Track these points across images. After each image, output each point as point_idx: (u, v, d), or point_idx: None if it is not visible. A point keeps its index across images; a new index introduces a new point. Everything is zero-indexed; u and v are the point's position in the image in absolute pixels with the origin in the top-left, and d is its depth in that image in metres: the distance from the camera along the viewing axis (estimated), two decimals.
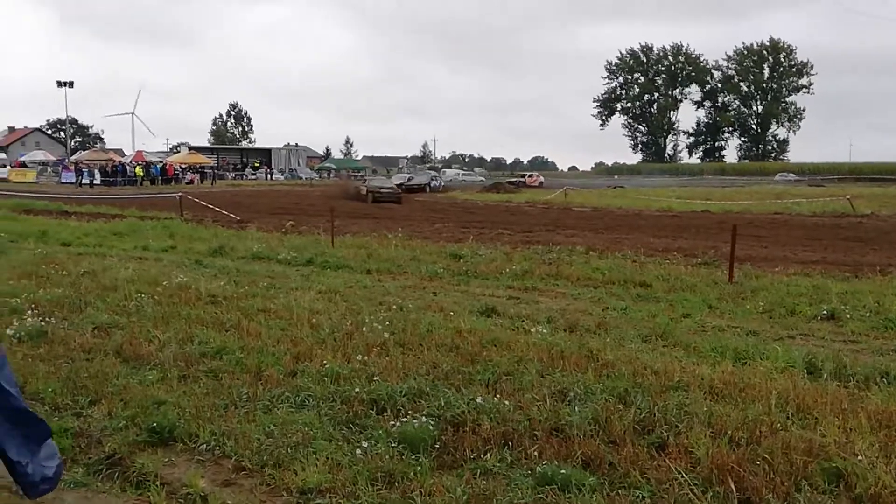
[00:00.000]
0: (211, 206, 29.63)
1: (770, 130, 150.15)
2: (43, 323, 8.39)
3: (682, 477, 4.54)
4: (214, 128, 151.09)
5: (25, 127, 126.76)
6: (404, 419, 5.43)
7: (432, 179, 65.95)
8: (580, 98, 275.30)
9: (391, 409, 5.75)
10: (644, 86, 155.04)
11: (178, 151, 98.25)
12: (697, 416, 5.53)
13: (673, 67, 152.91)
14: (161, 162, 77.88)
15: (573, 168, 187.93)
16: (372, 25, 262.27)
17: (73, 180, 63.93)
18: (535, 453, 4.97)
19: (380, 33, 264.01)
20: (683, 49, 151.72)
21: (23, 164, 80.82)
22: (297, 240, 18.52)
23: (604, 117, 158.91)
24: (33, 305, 9.29)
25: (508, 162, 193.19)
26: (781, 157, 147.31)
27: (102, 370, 6.74)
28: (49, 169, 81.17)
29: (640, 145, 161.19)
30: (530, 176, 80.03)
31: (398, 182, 56.03)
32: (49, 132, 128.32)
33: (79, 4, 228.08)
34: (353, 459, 4.85)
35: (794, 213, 33.86)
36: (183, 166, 76.51)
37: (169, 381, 6.51)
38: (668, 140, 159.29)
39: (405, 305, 9.82)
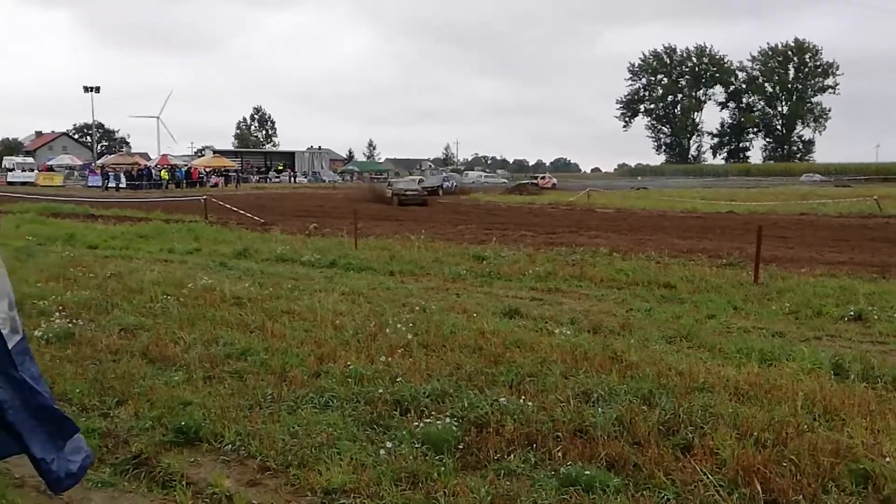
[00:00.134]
0: (235, 209, 29.80)
1: (795, 131, 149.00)
2: (70, 325, 8.48)
3: (708, 478, 4.51)
4: (238, 131, 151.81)
5: (52, 132, 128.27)
6: (428, 420, 5.44)
7: (445, 181, 64.46)
8: (603, 100, 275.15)
9: (415, 410, 5.76)
10: (668, 87, 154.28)
11: (203, 155, 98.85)
12: (723, 417, 5.50)
13: (697, 68, 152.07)
14: (186, 165, 78.47)
15: (596, 169, 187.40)
16: (395, 30, 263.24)
17: (100, 184, 64.70)
18: (559, 454, 4.96)
19: (403, 37, 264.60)
20: (707, 50, 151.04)
21: (50, 168, 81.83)
22: (320, 242, 18.58)
23: (627, 119, 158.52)
24: (61, 307, 9.39)
25: (531, 164, 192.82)
26: (807, 157, 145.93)
27: (129, 371, 6.81)
28: (76, 173, 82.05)
29: (663, 146, 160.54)
30: (543, 178, 79.47)
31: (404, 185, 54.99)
32: (76, 136, 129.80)
33: (105, 11, 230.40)
34: (377, 460, 4.86)
35: (821, 214, 33.52)
36: (207, 170, 77.04)
37: (194, 381, 6.56)
38: (691, 141, 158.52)
39: (428, 307, 9.83)
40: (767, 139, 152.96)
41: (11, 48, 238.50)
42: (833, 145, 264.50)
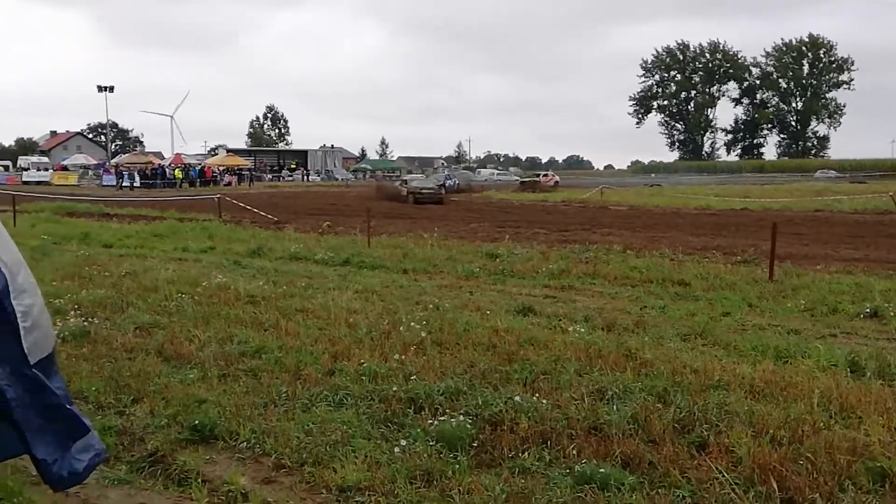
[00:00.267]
0: (249, 208, 29.89)
1: (810, 127, 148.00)
2: (86, 323, 8.54)
3: (724, 476, 4.49)
4: (251, 130, 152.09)
5: (67, 131, 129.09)
6: (442, 418, 5.45)
7: (447, 179, 61.81)
8: (616, 96, 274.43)
9: (429, 408, 5.76)
10: (681, 83, 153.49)
11: (217, 154, 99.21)
12: (738, 415, 5.48)
13: (710, 64, 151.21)
14: (199, 164, 78.82)
15: (609, 167, 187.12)
16: (408, 27, 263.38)
17: (114, 183, 65.14)
18: (574, 452, 4.95)
19: (416, 35, 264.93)
20: (721, 46, 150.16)
21: (65, 168, 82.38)
22: (333, 240, 18.61)
23: (640, 115, 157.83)
24: (76, 306, 9.45)
25: (544, 161, 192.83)
26: (822, 153, 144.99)
27: (144, 369, 6.84)
28: (90, 172, 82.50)
29: (676, 143, 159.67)
30: (545, 175, 78.75)
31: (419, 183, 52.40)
32: (90, 136, 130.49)
33: (119, 11, 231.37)
34: (391, 458, 4.87)
35: (836, 211, 33.32)
36: (221, 168, 77.39)
37: (209, 379, 6.58)
38: (705, 138, 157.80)
39: (442, 305, 9.83)
40: (782, 135, 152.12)
41: (27, 48, 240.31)
42: (848, 141, 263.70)
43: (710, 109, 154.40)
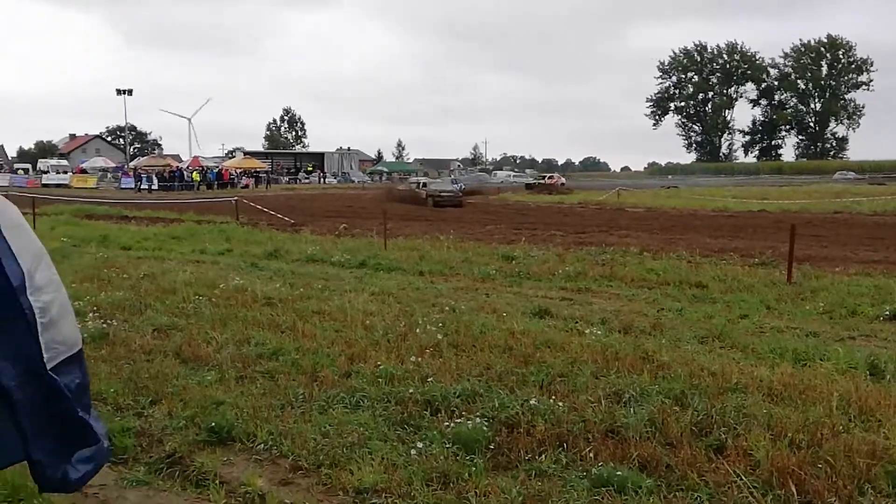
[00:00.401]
0: (266, 210, 30.00)
1: (829, 128, 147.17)
2: (105, 325, 8.60)
3: (742, 480, 4.47)
4: (268, 133, 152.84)
5: (86, 134, 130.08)
6: (458, 420, 5.44)
7: (453, 183, 61.38)
8: (633, 98, 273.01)
9: (445, 410, 5.76)
10: (698, 85, 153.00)
11: (234, 156, 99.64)
12: (756, 418, 5.44)
13: (728, 66, 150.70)
14: (217, 167, 79.14)
15: (626, 168, 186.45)
16: (424, 29, 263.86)
17: (133, 186, 65.59)
18: (591, 455, 4.94)
19: (432, 36, 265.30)
20: (739, 47, 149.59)
21: (83, 171, 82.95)
22: (350, 242, 18.65)
23: (657, 117, 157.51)
24: (95, 308, 9.51)
25: (560, 163, 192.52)
26: (841, 155, 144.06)
27: (162, 371, 6.88)
28: (109, 175, 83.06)
29: (694, 145, 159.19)
30: (551, 177, 78.14)
31: (437, 186, 51.29)
32: (109, 139, 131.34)
33: (137, 14, 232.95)
34: (408, 460, 4.87)
35: (855, 212, 33.06)
36: (238, 171, 77.64)
37: (227, 381, 6.61)
38: (723, 139, 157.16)
39: (458, 307, 9.83)
40: (800, 137, 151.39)
41: (45, 52, 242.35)
42: (867, 142, 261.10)
43: (727, 111, 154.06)
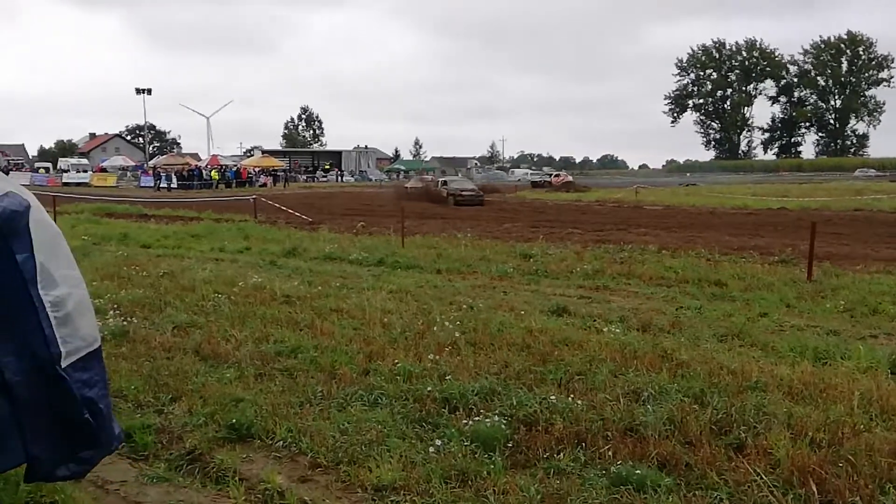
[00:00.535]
0: (284, 208, 30.12)
1: (849, 125, 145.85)
2: (125, 322, 8.67)
3: (762, 479, 4.44)
4: (286, 131, 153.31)
5: (106, 133, 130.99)
6: (477, 418, 5.45)
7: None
8: (651, 96, 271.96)
9: (463, 408, 5.77)
10: (717, 82, 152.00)
11: (252, 155, 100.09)
12: (776, 416, 5.41)
13: (747, 63, 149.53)
14: (235, 165, 79.50)
15: (644, 166, 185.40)
16: (442, 27, 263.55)
17: (152, 184, 66.10)
18: (610, 453, 4.93)
19: (450, 35, 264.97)
20: (758, 43, 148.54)
21: (103, 170, 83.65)
22: (367, 240, 18.67)
23: (675, 114, 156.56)
24: (116, 306, 9.59)
25: (577, 161, 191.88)
26: (861, 152, 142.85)
27: (182, 368, 6.92)
28: (128, 173, 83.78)
29: (712, 142, 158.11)
30: (556, 175, 77.39)
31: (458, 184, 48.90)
32: (128, 138, 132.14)
33: (156, 13, 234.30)
34: (426, 457, 4.88)
35: (876, 210, 32.77)
36: (256, 169, 77.99)
37: (246, 379, 6.64)
38: (742, 136, 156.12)
39: (476, 305, 9.83)
40: (820, 134, 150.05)
41: (67, 51, 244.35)
42: (888, 139, 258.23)
43: (746, 108, 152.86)
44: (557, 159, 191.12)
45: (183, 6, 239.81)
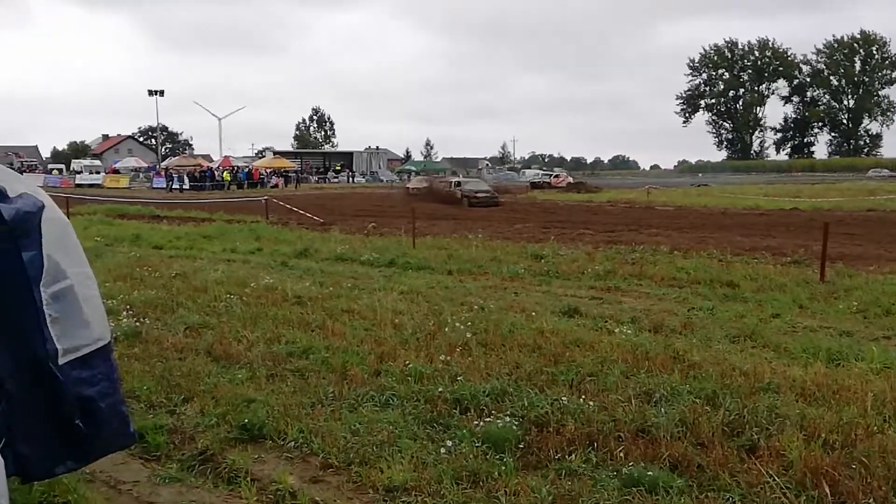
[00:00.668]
0: (295, 209, 30.18)
1: (862, 125, 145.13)
2: (137, 323, 8.70)
3: (774, 480, 4.43)
4: (298, 132, 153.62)
5: (118, 135, 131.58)
6: (488, 419, 5.45)
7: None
8: (662, 96, 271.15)
9: (474, 409, 5.77)
10: (729, 82, 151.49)
11: (264, 156, 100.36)
12: (789, 418, 5.39)
13: (759, 62, 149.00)
14: (247, 166, 79.67)
15: (655, 166, 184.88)
16: (453, 27, 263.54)
17: (164, 185, 66.33)
18: (621, 454, 4.92)
19: (461, 35, 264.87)
20: (770, 43, 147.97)
21: (116, 171, 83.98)
22: (379, 241, 18.68)
23: (687, 114, 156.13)
24: (128, 306, 9.62)
25: (589, 161, 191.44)
26: (874, 152, 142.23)
27: (194, 369, 6.95)
28: (141, 175, 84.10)
29: (724, 142, 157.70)
30: (556, 176, 76.25)
31: (473, 185, 48.17)
32: (141, 139, 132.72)
33: (168, 15, 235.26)
34: (437, 458, 4.88)
35: (889, 210, 32.56)
36: (268, 170, 78.15)
37: (258, 379, 6.66)
38: (754, 137, 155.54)
39: (487, 306, 9.82)
40: (833, 134, 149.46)
41: (79, 53, 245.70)
42: None
43: (758, 108, 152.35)
44: (569, 160, 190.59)
45: (195, 7, 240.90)
